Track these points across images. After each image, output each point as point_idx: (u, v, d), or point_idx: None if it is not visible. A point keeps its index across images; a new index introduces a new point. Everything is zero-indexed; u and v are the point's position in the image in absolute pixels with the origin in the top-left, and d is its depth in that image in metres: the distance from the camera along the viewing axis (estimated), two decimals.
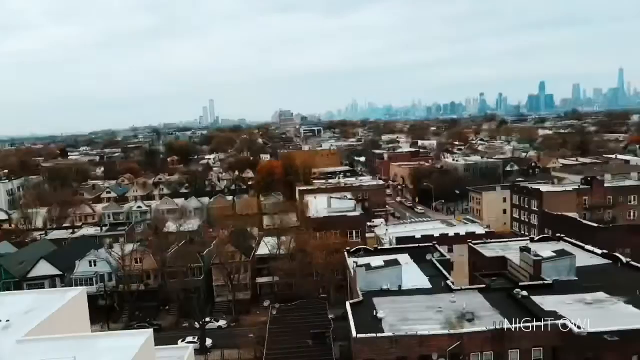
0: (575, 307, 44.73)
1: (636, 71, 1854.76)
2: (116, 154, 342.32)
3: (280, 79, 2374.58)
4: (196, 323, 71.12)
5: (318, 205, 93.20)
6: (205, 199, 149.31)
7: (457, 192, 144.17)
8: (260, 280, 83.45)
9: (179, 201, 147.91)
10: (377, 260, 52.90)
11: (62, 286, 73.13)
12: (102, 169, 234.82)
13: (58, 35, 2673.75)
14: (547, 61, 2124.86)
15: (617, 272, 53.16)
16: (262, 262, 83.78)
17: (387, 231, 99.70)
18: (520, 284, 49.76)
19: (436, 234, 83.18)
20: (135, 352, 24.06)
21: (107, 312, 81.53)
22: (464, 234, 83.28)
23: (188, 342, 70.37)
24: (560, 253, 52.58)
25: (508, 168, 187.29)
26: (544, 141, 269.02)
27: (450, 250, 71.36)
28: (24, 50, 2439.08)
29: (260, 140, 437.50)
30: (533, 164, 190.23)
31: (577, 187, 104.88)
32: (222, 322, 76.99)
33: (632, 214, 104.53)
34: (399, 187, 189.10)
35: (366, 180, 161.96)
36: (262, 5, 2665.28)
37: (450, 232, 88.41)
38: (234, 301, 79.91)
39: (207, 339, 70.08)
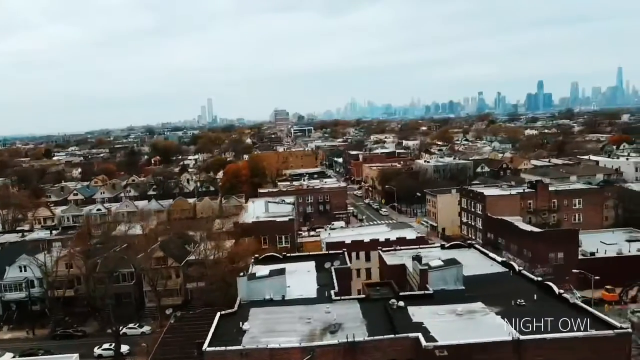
0: (445, 319, 44.39)
1: (635, 70, 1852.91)
2: (101, 155, 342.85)
3: (280, 78, 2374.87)
4: (109, 329, 70.94)
5: (256, 210, 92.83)
6: (169, 202, 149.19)
7: (418, 194, 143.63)
8: (189, 285, 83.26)
9: (142, 203, 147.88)
10: (264, 270, 52.64)
11: None
12: (80, 170, 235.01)
13: (57, 35, 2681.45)
14: (546, 60, 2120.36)
15: (507, 281, 52.78)
16: (193, 266, 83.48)
17: (328, 235, 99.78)
18: (401, 293, 49.49)
19: (366, 240, 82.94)
20: None
21: (36, 318, 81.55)
22: (394, 239, 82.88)
23: (104, 349, 70.50)
24: (448, 262, 52.16)
25: (479, 169, 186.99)
26: (524, 142, 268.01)
27: (367, 258, 70.99)
28: (23, 49, 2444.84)
29: (249, 141, 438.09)
30: (504, 165, 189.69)
31: (522, 191, 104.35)
32: (146, 329, 76.79)
33: (577, 217, 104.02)
34: (369, 188, 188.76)
35: (331, 182, 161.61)
36: (262, 5, 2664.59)
37: (392, 236, 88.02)
38: (159, 307, 79.67)
39: (124, 345, 69.90)
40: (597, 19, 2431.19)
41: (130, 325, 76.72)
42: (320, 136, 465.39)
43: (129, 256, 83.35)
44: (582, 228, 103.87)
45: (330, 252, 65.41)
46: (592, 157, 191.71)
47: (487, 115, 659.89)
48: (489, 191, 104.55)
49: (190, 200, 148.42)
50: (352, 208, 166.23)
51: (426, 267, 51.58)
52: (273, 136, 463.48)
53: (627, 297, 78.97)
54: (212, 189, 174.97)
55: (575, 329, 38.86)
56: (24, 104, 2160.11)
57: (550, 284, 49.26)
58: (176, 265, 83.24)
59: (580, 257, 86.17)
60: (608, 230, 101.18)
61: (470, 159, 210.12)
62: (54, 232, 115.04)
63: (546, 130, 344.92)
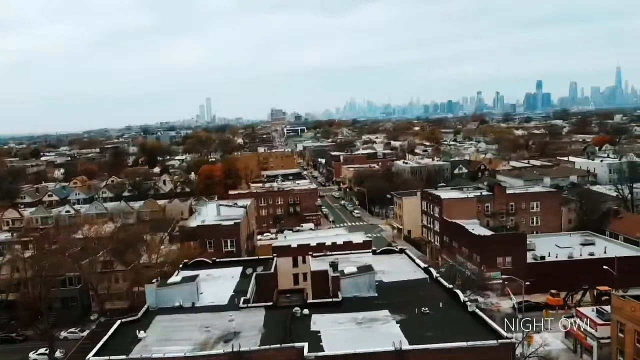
0: (343, 327, 44.11)
1: (634, 70, 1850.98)
2: (90, 155, 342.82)
3: (279, 77, 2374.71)
4: (40, 333, 70.73)
5: (209, 213, 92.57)
6: (140, 203, 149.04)
7: (388, 196, 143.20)
8: (135, 289, 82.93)
9: (113, 205, 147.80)
10: (178, 276, 52.44)
11: None
12: (62, 170, 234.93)
13: (57, 34, 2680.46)
14: (545, 60, 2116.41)
15: (422, 288, 52.46)
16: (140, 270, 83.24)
17: (285, 239, 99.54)
18: (309, 301, 49.26)
19: (313, 244, 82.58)
20: None
21: None
22: (341, 243, 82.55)
23: (39, 354, 70.37)
24: (362, 269, 51.91)
25: (457, 171, 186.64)
26: (506, 143, 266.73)
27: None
28: (22, 49, 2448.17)
29: (240, 141, 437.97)
30: (483, 166, 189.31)
31: (479, 194, 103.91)
32: (87, 333, 76.48)
33: (534, 220, 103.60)
34: (347, 189, 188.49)
35: (303, 183, 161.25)
36: (261, 4, 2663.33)
37: (340, 240, 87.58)
38: (102, 311, 79.46)
39: (59, 350, 69.74)
40: (597, 19, 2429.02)
41: (72, 329, 76.50)
42: (312, 136, 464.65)
43: (75, 259, 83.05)
44: (540, 231, 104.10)
45: (261, 257, 65.05)
46: (572, 159, 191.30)
47: (481, 115, 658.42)
48: (446, 194, 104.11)
49: (161, 202, 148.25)
50: (326, 209, 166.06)
51: (338, 275, 51.31)
52: (265, 136, 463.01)
53: (572, 302, 78.50)
54: (187, 190, 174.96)
55: (462, 339, 38.57)
56: (23, 103, 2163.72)
57: (457, 291, 48.97)
58: (122, 269, 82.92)
59: (531, 261, 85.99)
60: (565, 234, 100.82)
61: (451, 159, 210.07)
62: (15, 234, 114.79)
63: (535, 131, 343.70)
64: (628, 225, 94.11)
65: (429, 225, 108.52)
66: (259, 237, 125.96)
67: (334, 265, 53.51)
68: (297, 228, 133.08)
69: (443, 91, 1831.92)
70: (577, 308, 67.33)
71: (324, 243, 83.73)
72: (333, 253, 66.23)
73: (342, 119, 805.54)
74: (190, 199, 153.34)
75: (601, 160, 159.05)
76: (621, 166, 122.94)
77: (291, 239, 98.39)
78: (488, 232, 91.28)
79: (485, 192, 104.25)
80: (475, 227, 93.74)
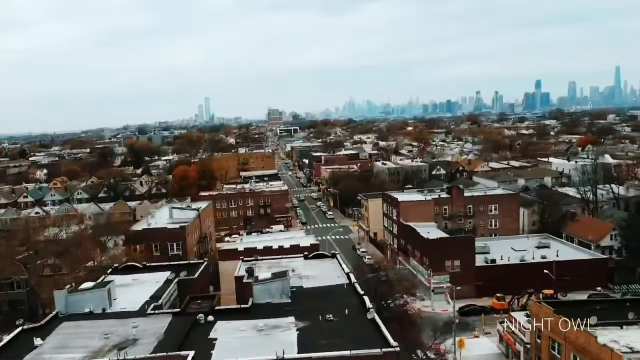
0: (242, 335, 43.85)
1: (633, 69, 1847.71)
2: (79, 155, 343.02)
3: (279, 77, 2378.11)
4: None
5: (162, 216, 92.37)
6: (110, 205, 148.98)
7: (357, 198, 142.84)
8: None
9: (83, 206, 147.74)
10: (119, 279, 52.42)
11: None
12: (45, 171, 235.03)
13: (58, 34, 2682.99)
14: (545, 59, 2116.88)
15: (337, 294, 52.18)
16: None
17: (236, 242, 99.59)
18: (217, 307, 49.04)
19: (260, 247, 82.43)
20: None
21: None
22: (288, 246, 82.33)
23: None
24: (276, 275, 51.65)
25: (435, 172, 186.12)
26: (487, 144, 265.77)
27: None
28: (23, 48, 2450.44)
29: (232, 141, 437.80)
30: (461, 167, 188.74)
31: (437, 196, 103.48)
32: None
33: (493, 223, 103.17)
34: (324, 190, 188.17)
35: (276, 185, 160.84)
36: (261, 3, 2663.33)
37: (286, 244, 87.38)
38: (45, 315, 79.19)
39: None
40: (597, 19, 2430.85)
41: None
42: (304, 136, 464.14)
43: (23, 263, 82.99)
44: (498, 234, 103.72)
45: (192, 262, 64.81)
46: (552, 160, 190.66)
47: (477, 115, 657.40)
48: (403, 196, 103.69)
49: (132, 204, 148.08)
50: (301, 211, 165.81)
51: (250, 281, 51.10)
52: (257, 136, 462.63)
53: (517, 306, 78.10)
54: (163, 191, 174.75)
55: (351, 347, 38.40)
56: (23, 102, 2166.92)
57: (365, 298, 48.72)
58: (66, 273, 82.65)
59: (481, 264, 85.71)
60: (524, 237, 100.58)
61: (433, 160, 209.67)
62: None
63: (524, 131, 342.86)
64: (582, 228, 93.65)
65: (388, 227, 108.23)
66: (227, 238, 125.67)
67: (249, 271, 53.26)
68: (267, 230, 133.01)
69: (442, 91, 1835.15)
70: (510, 312, 66.96)
71: (271, 247, 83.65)
72: (265, 258, 65.99)
73: (337, 119, 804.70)
74: (162, 200, 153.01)
75: (575, 162, 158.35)
76: (589, 168, 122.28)
77: (249, 241, 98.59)
78: (440, 235, 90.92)
79: (443, 195, 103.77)
80: (431, 230, 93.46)
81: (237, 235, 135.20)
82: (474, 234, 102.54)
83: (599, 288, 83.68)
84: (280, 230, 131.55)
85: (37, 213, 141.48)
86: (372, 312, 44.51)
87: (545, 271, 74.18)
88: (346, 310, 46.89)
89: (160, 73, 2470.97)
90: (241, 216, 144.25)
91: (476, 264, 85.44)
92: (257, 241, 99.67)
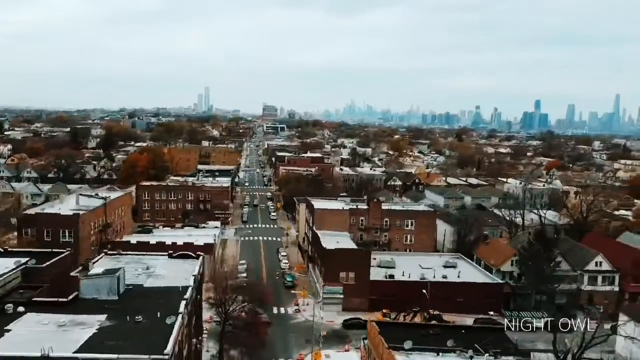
0: (40, 329, 43.06)
1: (633, 98, 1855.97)
2: (57, 133, 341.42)
3: (282, 73, 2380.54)
4: None
5: (69, 203, 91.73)
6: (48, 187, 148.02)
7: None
8: None
9: (21, 186, 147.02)
10: None
11: None
12: (10, 146, 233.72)
13: (69, 8, 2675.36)
14: (546, 80, 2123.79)
15: (170, 296, 51.35)
16: None
17: (151, 235, 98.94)
18: (35, 299, 48.41)
19: (153, 241, 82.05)
20: None
21: None
22: (181, 244, 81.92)
23: None
24: (106, 272, 51.02)
25: (391, 182, 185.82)
26: (465, 158, 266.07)
27: None
28: (32, 20, 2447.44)
29: (215, 133, 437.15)
30: (417, 180, 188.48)
31: (354, 207, 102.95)
32: None
33: (408, 238, 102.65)
34: (277, 191, 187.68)
35: (223, 181, 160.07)
36: None
37: (180, 241, 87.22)
38: None
39: None
40: (600, 43, 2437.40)
41: None
42: (289, 135, 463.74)
43: None
44: (413, 249, 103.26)
45: (57, 250, 64.08)
46: (510, 180, 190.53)
47: (468, 129, 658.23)
48: (320, 204, 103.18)
49: (72, 187, 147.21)
50: (247, 208, 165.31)
51: (77, 275, 50.49)
52: (242, 131, 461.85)
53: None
54: (114, 177, 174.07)
55: (130, 351, 38.00)
56: (25, 76, 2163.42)
57: (183, 302, 48.11)
58: None
59: (376, 278, 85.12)
60: (435, 255, 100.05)
61: (398, 170, 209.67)
62: None
63: (502, 150, 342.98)
64: (489, 252, 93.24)
65: (307, 233, 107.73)
66: (154, 230, 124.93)
67: (84, 265, 52.63)
68: (203, 225, 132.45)
69: (443, 102, 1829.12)
70: None
71: (164, 242, 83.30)
72: (129, 253, 65.33)
73: (330, 121, 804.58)
74: (106, 186, 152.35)
75: (521, 183, 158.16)
76: (522, 192, 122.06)
77: (163, 234, 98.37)
78: (347, 245, 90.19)
79: (361, 206, 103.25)
80: (342, 240, 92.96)
81: (169, 228, 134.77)
82: (388, 247, 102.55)
83: (492, 312, 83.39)
84: (216, 227, 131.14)
85: None
86: (173, 317, 43.86)
87: (424, 291, 73.56)
88: (158, 314, 46.31)
89: (164, 58, 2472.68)
90: (180, 209, 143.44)
91: (375, 278, 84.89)
92: (168, 236, 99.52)
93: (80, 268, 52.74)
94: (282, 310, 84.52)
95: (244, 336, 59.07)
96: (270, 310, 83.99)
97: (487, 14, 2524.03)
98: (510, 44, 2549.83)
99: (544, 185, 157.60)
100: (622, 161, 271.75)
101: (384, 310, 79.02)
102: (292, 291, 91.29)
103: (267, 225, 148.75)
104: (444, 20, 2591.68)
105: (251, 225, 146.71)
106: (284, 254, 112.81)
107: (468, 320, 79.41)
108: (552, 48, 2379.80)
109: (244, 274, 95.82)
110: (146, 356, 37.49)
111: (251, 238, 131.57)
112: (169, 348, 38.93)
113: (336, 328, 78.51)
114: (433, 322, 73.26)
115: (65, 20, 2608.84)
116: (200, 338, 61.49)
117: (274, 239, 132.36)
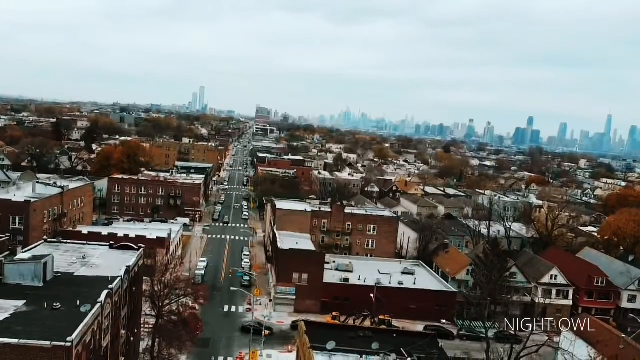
0: None
1: (624, 120, 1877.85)
2: (42, 123, 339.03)
3: (279, 77, 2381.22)
4: None
5: (26, 191, 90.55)
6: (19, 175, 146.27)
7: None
8: None
9: None
10: None
11: None
12: None
13: (64, 1, 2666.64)
14: (540, 97, 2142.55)
15: (95, 285, 50.57)
16: None
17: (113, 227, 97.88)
18: None
19: (105, 233, 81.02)
20: None
21: None
22: (134, 236, 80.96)
23: None
24: (33, 258, 50.10)
25: (368, 188, 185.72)
26: (448, 169, 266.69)
27: None
28: (33, 10, 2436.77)
29: (204, 131, 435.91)
30: (394, 187, 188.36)
31: (316, 209, 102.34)
32: None
33: (370, 243, 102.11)
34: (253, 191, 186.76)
35: (196, 178, 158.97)
36: (269, 2, 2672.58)
37: (132, 234, 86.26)
38: None
39: None
40: (595, 65, 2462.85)
41: None
42: (277, 137, 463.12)
43: None
44: (375, 254, 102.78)
45: None
46: (487, 192, 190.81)
47: (458, 142, 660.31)
48: (283, 204, 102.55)
49: (42, 176, 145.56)
50: (220, 207, 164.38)
51: (1, 259, 49.49)
52: (230, 131, 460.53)
53: None
54: (88, 168, 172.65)
55: (37, 337, 37.13)
56: (19, 65, 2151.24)
57: (105, 292, 47.24)
58: None
59: (329, 281, 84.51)
60: (396, 261, 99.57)
61: (377, 177, 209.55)
62: None
63: (487, 163, 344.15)
64: (447, 260, 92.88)
65: (270, 233, 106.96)
66: (115, 223, 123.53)
67: (11, 250, 51.66)
68: (172, 221, 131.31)
69: (438, 114, 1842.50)
70: None
71: (116, 234, 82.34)
72: (69, 242, 64.29)
73: (321, 126, 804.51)
74: (78, 177, 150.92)
75: (497, 197, 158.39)
76: (489, 203, 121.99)
77: (122, 227, 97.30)
78: (304, 247, 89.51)
79: (323, 208, 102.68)
80: (301, 241, 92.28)
81: (134, 222, 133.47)
82: (349, 251, 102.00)
83: (444, 320, 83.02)
84: (185, 224, 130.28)
85: None
86: (88, 305, 42.99)
87: (371, 295, 73.03)
88: (78, 302, 45.42)
89: (163, 56, 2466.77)
90: (150, 204, 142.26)
91: (329, 281, 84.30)
92: (125, 228, 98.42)
93: (7, 253, 51.54)
94: (233, 308, 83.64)
95: (175, 330, 58.27)
96: (220, 308, 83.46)
97: (487, 32, 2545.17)
98: (509, 61, 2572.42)
99: (518, 199, 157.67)
100: (604, 180, 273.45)
101: (334, 313, 78.30)
102: (246, 291, 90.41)
103: (238, 225, 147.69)
104: (442, 34, 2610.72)
105: (221, 224, 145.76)
106: (247, 253, 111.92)
107: (419, 327, 78.90)
108: (549, 68, 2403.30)
109: (202, 271, 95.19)
110: (48, 342, 36.67)
111: (219, 236, 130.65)
112: (74, 336, 38.01)
113: (284, 329, 77.72)
114: (382, 326, 72.85)
115: (66, 13, 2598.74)
116: (136, 331, 60.63)
117: (242, 238, 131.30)
